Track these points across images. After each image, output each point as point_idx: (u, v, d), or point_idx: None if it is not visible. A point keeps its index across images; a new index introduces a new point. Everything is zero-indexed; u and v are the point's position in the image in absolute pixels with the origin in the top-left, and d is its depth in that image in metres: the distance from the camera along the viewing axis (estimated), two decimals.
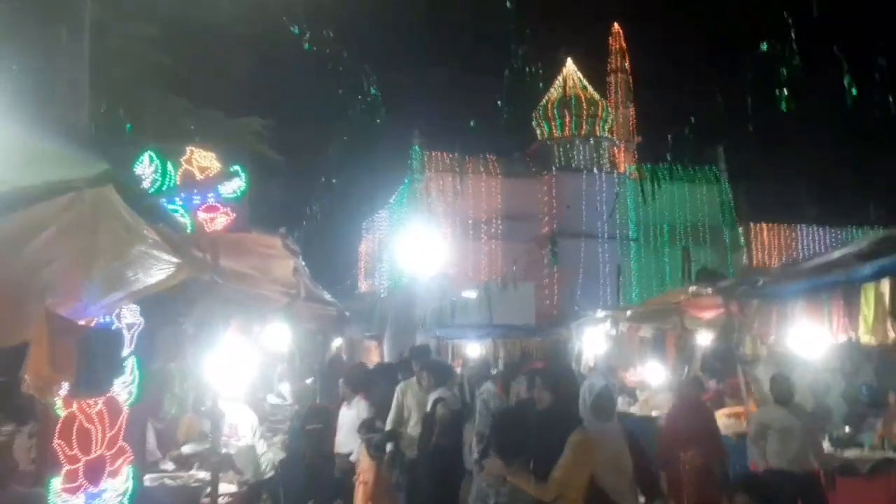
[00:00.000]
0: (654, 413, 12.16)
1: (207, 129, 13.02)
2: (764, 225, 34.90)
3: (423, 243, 26.71)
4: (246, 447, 5.69)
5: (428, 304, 21.32)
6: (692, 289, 9.82)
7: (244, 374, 5.75)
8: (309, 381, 9.37)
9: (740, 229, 34.98)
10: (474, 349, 19.82)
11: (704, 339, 10.81)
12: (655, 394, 12.97)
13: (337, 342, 28.00)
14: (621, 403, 13.41)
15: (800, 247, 32.80)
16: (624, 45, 38.09)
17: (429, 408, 5.51)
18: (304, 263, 5.66)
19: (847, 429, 7.90)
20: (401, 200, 33.28)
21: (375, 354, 25.35)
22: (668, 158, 36.66)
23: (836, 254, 7.30)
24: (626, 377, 13.63)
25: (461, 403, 5.88)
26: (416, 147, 32.65)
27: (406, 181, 32.92)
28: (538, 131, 35.74)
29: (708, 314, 10.37)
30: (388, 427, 6.22)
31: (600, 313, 13.38)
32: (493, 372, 16.97)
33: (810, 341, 7.85)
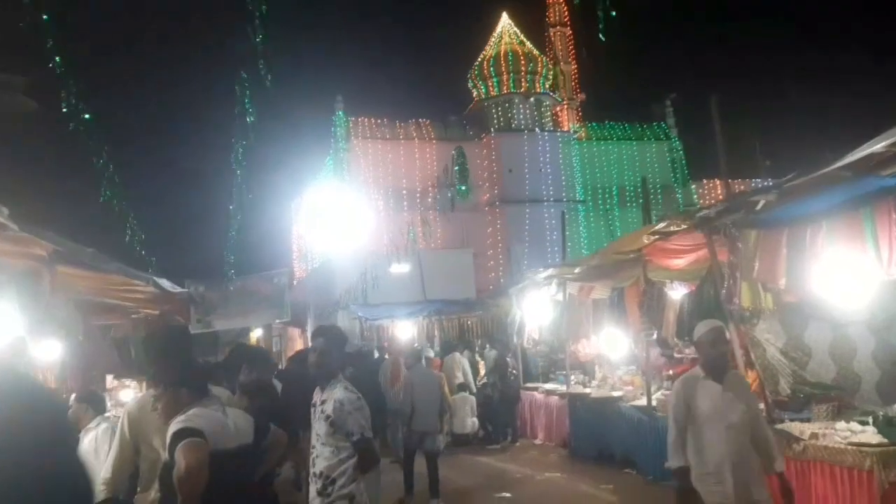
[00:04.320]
0: (615, 393, 9.62)
1: None
2: (717, 181, 32.93)
3: (348, 216, 23.78)
4: None
5: (349, 282, 18.52)
6: (660, 226, 7.20)
7: None
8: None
9: (693, 186, 33.10)
10: (405, 329, 17.10)
11: (678, 293, 8.26)
12: (614, 369, 10.44)
13: (256, 332, 25.09)
14: (573, 383, 10.88)
15: None
16: None
17: (166, 451, 2.75)
18: None
19: None
20: (328, 173, 30.21)
21: (300, 343, 22.52)
22: (614, 116, 34.56)
23: (880, 144, 4.74)
24: (577, 351, 11.06)
25: (257, 432, 3.10)
26: (340, 113, 29.53)
27: (331, 152, 29.86)
28: (474, 92, 32.96)
29: (680, 260, 7.80)
30: (100, 487, 3.45)
31: (543, 273, 10.77)
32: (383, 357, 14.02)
33: (844, 282, 5.32)
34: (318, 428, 3.82)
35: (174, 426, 2.75)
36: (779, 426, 5.50)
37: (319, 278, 22.23)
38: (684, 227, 6.94)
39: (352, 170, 28.53)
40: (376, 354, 15.04)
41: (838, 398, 5.90)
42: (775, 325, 6.28)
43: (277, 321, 20.39)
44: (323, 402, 3.84)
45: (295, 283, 25.06)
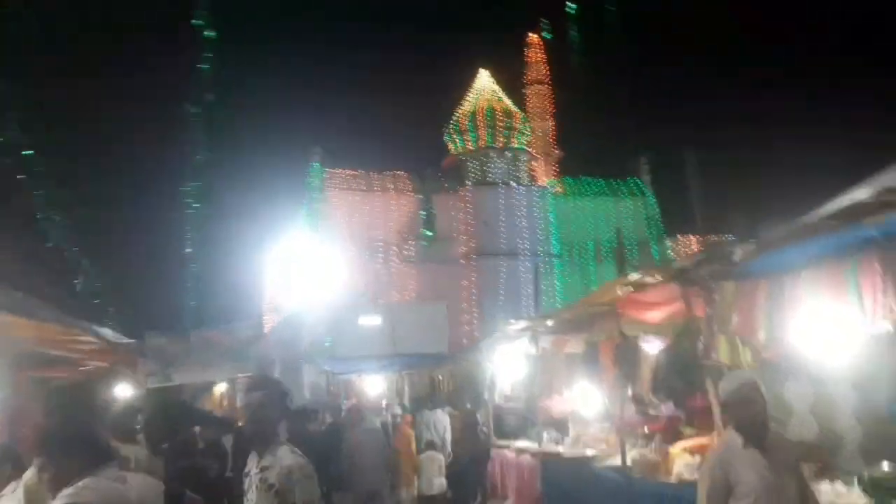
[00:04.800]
0: (588, 452, 9.19)
1: None
2: (692, 237, 33.11)
3: (320, 268, 23.43)
4: None
5: (318, 335, 18.07)
6: (634, 277, 6.94)
7: None
8: None
9: (668, 242, 33.30)
10: (374, 384, 16.57)
11: (653, 347, 7.97)
12: (588, 426, 10.03)
13: (220, 387, 24.21)
14: (546, 440, 10.43)
15: None
16: (543, 56, 36.13)
17: None
18: None
19: (886, 466, 5.10)
20: (301, 224, 29.91)
21: None
22: (590, 172, 34.85)
23: (864, 193, 4.54)
24: (551, 406, 10.65)
25: (170, 501, 2.69)
26: (317, 164, 29.43)
27: (305, 202, 29.67)
28: (451, 145, 33.16)
29: (655, 314, 7.49)
30: None
31: (515, 325, 10.43)
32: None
33: (825, 335, 5.06)
34: (259, 500, 3.37)
35: (58, 502, 2.33)
36: None
37: (287, 331, 21.68)
38: (660, 278, 6.69)
39: (326, 221, 28.31)
40: (343, 410, 14.48)
41: (821, 459, 5.58)
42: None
43: (240, 375, 19.72)
44: (263, 470, 3.40)
45: (262, 335, 24.47)
